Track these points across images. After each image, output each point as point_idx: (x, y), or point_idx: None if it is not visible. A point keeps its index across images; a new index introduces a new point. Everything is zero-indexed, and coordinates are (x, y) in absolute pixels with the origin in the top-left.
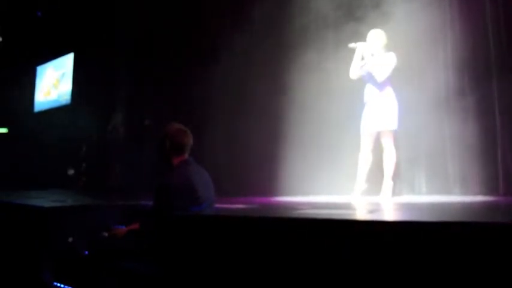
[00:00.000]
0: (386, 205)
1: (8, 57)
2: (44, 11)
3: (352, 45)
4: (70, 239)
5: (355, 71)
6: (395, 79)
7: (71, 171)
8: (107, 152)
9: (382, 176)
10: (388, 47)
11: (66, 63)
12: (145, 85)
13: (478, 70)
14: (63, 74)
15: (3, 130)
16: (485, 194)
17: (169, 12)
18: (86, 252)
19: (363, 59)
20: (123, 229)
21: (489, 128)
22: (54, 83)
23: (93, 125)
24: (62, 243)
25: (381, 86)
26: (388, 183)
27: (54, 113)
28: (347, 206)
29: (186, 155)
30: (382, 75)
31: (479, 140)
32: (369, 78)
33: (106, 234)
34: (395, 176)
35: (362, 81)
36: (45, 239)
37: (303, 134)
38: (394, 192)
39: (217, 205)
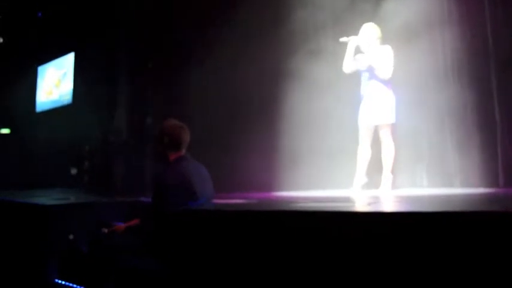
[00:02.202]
0: (385, 198)
1: (9, 57)
2: (45, 11)
3: (344, 39)
4: (71, 236)
5: (348, 65)
6: (394, 72)
7: (73, 171)
8: (109, 150)
9: (382, 169)
10: (383, 40)
11: (67, 62)
12: (146, 84)
13: (477, 62)
14: (64, 74)
15: (6, 131)
16: (485, 186)
17: (169, 11)
18: (87, 249)
19: (357, 53)
20: (122, 225)
21: (489, 121)
22: (55, 82)
23: (95, 124)
24: (64, 240)
25: (378, 79)
26: (387, 176)
27: (56, 112)
28: (346, 200)
29: (183, 151)
30: (387, 71)
31: (479, 132)
32: (370, 72)
33: (105, 230)
34: (396, 169)
35: (358, 75)
36: (47, 237)
37: (301, 128)
38: (395, 186)
39: (215, 201)
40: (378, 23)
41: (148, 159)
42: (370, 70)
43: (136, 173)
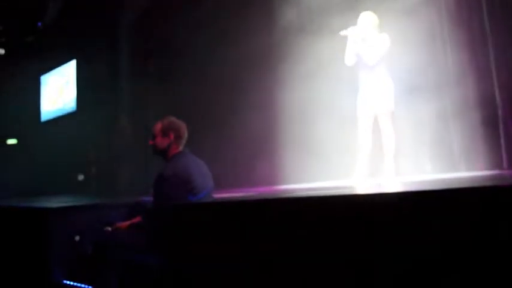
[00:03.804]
0: (389, 184)
1: (11, 69)
2: (44, 21)
3: (343, 32)
4: (77, 238)
5: (350, 57)
6: (395, 59)
7: (81, 177)
8: (115, 155)
9: (384, 157)
10: (381, 28)
11: (69, 70)
12: (148, 86)
13: (475, 43)
14: (67, 82)
15: (13, 141)
16: (490, 169)
17: (169, 14)
18: (92, 249)
19: (356, 43)
20: (125, 223)
21: (490, 102)
22: (59, 91)
23: (100, 130)
24: (69, 242)
25: (374, 68)
26: (390, 164)
27: (61, 121)
28: (348, 187)
29: (181, 147)
30: (374, 57)
31: (480, 114)
32: (362, 61)
33: (109, 229)
34: (398, 156)
35: (357, 65)
36: (53, 239)
37: (300, 121)
38: (398, 172)
39: (215, 195)
40: (377, 6)
41: (153, 161)
42: (363, 59)
43: (141, 175)
